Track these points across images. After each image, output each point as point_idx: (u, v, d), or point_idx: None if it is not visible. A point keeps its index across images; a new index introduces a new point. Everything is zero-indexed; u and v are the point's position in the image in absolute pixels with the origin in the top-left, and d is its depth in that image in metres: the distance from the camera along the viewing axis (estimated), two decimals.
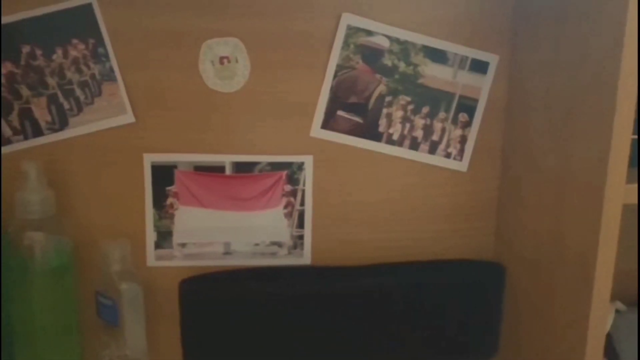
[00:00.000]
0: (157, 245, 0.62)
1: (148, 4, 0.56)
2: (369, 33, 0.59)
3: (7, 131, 0.58)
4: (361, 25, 0.59)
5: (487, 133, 0.63)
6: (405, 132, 0.62)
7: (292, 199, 0.63)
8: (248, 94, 0.59)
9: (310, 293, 0.59)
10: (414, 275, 0.61)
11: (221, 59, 0.58)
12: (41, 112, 0.58)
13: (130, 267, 0.57)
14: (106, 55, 0.57)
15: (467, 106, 0.62)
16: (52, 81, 0.57)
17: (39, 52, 0.56)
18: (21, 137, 0.58)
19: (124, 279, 0.56)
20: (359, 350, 0.61)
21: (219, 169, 0.61)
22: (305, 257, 0.64)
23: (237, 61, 0.58)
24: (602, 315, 0.47)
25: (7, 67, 0.56)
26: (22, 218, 0.53)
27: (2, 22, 0.55)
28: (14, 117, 0.57)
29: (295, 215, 0.63)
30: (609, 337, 0.59)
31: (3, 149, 0.58)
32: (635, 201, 0.46)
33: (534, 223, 0.57)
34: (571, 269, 0.51)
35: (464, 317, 0.62)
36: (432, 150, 0.63)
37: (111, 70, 0.57)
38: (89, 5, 0.55)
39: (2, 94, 0.57)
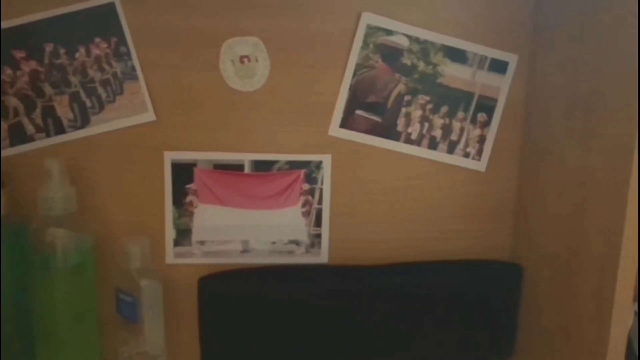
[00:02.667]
0: (176, 243, 0.62)
1: (170, 3, 0.57)
2: (389, 32, 0.59)
3: (30, 129, 0.58)
4: (381, 25, 0.59)
5: (506, 133, 0.63)
6: (424, 131, 0.62)
7: (309, 198, 0.63)
8: (267, 93, 0.60)
9: (327, 292, 0.59)
10: (431, 274, 0.61)
11: (241, 58, 0.59)
12: (63, 110, 0.58)
13: (150, 264, 0.57)
14: (128, 54, 0.57)
15: (486, 106, 0.62)
16: (74, 79, 0.58)
17: (62, 50, 0.57)
18: (44, 134, 0.58)
19: (144, 276, 0.56)
20: (374, 349, 0.61)
21: (237, 167, 0.61)
22: (322, 256, 0.64)
23: (257, 60, 0.59)
24: (624, 316, 0.47)
25: (31, 65, 0.57)
26: (45, 215, 0.54)
27: (26, 21, 0.56)
28: (37, 115, 0.58)
29: (313, 213, 0.63)
30: (627, 338, 0.59)
31: (26, 146, 0.58)
32: None
33: (554, 223, 0.57)
34: (592, 269, 0.50)
35: (480, 318, 0.61)
36: (451, 149, 0.63)
37: (133, 68, 0.58)
38: (112, 4, 0.56)
39: (26, 92, 0.57)
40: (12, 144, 0.58)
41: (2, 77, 0.57)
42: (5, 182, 0.55)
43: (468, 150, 0.63)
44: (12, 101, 0.57)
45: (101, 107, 0.59)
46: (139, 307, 0.56)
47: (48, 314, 0.55)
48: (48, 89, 0.58)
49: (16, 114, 0.58)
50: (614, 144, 0.47)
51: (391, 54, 0.60)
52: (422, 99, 0.61)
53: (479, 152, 0.63)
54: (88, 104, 0.58)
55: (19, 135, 0.58)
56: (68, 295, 0.56)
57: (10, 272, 0.55)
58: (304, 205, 0.63)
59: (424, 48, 0.60)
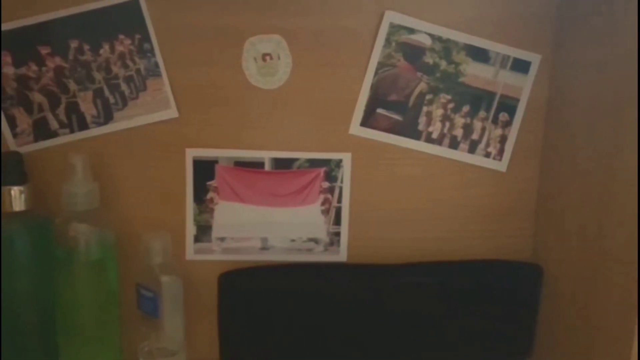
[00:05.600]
0: (197, 239, 0.62)
1: (194, 0, 0.57)
2: (411, 31, 0.59)
3: (54, 124, 0.59)
4: (404, 23, 0.59)
5: (528, 133, 0.63)
6: (445, 130, 0.62)
7: (329, 196, 0.63)
8: (289, 91, 0.60)
9: (346, 290, 0.59)
10: (450, 274, 0.61)
11: (264, 56, 0.59)
12: (87, 106, 0.59)
13: (171, 260, 0.58)
14: (151, 51, 0.58)
15: (508, 106, 0.62)
16: (98, 76, 0.58)
17: (86, 47, 0.57)
18: (67, 130, 0.59)
19: (165, 271, 0.57)
20: (391, 347, 0.61)
21: (258, 165, 0.61)
22: (341, 254, 0.64)
23: (279, 58, 0.59)
24: None
25: (56, 61, 0.57)
26: (68, 210, 0.54)
27: (52, 17, 0.56)
28: (61, 111, 0.58)
29: (332, 212, 0.63)
30: None
31: (49, 141, 0.59)
32: None
33: (576, 224, 0.57)
34: (616, 271, 0.50)
35: (499, 318, 0.61)
36: (472, 149, 0.63)
37: (156, 65, 0.58)
38: (136, 1, 0.56)
39: (51, 88, 0.58)
40: (36, 140, 0.59)
41: (27, 73, 0.57)
42: (29, 177, 0.56)
43: (489, 150, 0.63)
44: (37, 97, 0.58)
45: (124, 104, 0.59)
46: (160, 302, 0.56)
47: (70, 308, 0.56)
48: (72, 85, 0.58)
49: (41, 109, 0.58)
50: (638, 147, 0.47)
51: (413, 53, 0.60)
52: (444, 98, 0.61)
53: (500, 152, 0.63)
54: (111, 100, 0.59)
55: (43, 131, 0.59)
56: (90, 290, 0.56)
57: (35, 266, 0.55)
58: (323, 204, 0.63)
59: (447, 47, 0.60)
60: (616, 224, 0.50)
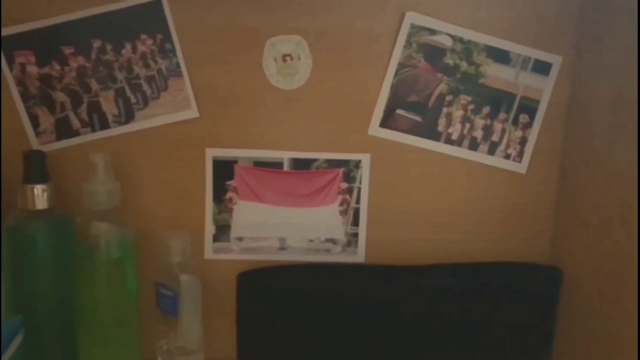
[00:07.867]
0: (215, 239, 0.63)
1: (215, 0, 0.57)
2: (432, 32, 0.59)
3: (76, 123, 0.59)
4: (425, 24, 0.59)
5: (548, 135, 0.62)
6: (465, 132, 0.62)
7: (347, 197, 0.63)
8: (309, 91, 0.60)
9: (363, 291, 0.59)
10: (468, 276, 0.61)
11: (284, 56, 0.59)
12: (109, 106, 0.59)
13: (190, 259, 0.58)
14: (173, 51, 0.58)
15: (528, 107, 0.62)
16: (120, 75, 0.58)
17: (109, 46, 0.58)
18: (89, 129, 0.59)
19: (184, 270, 0.57)
20: (409, 349, 0.60)
21: (277, 165, 0.62)
22: (359, 255, 0.64)
23: (299, 59, 0.59)
24: None
25: (79, 61, 0.58)
26: (89, 208, 0.55)
27: (75, 17, 0.57)
28: (82, 110, 0.59)
29: (351, 212, 0.63)
30: None
31: (71, 140, 0.60)
32: None
33: (595, 227, 0.56)
34: (635, 274, 0.49)
35: (518, 321, 0.61)
36: (492, 151, 0.62)
37: (177, 65, 0.58)
38: (159, 1, 0.57)
39: (73, 87, 0.58)
40: (59, 139, 0.59)
41: (51, 72, 0.58)
42: (50, 176, 0.56)
43: (509, 151, 0.63)
44: (59, 96, 0.58)
45: (145, 103, 0.59)
46: (179, 301, 0.57)
47: (90, 306, 0.56)
48: (94, 85, 0.58)
49: (63, 108, 0.59)
50: None
51: (434, 54, 0.60)
52: (464, 99, 0.61)
53: (520, 154, 0.63)
54: (133, 99, 0.59)
55: (65, 130, 0.59)
56: (110, 288, 0.56)
57: (55, 264, 0.56)
58: (341, 204, 0.63)
59: (467, 48, 0.60)
60: (637, 227, 0.49)
